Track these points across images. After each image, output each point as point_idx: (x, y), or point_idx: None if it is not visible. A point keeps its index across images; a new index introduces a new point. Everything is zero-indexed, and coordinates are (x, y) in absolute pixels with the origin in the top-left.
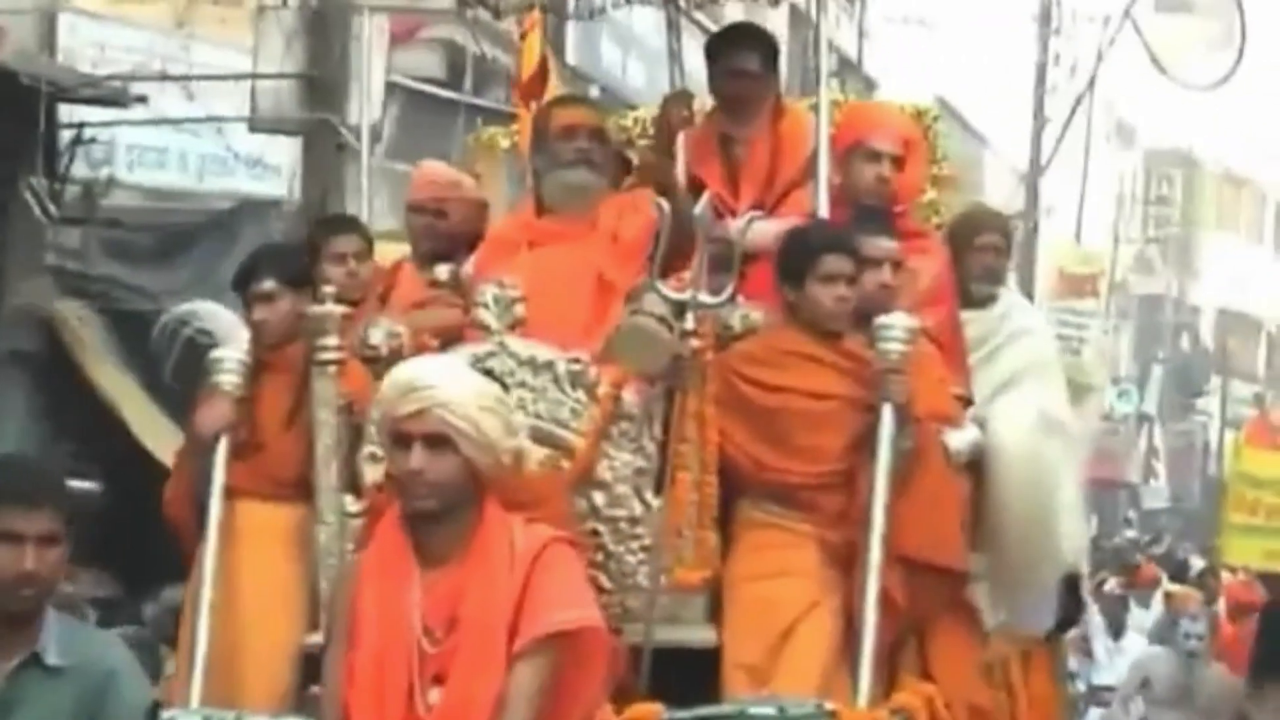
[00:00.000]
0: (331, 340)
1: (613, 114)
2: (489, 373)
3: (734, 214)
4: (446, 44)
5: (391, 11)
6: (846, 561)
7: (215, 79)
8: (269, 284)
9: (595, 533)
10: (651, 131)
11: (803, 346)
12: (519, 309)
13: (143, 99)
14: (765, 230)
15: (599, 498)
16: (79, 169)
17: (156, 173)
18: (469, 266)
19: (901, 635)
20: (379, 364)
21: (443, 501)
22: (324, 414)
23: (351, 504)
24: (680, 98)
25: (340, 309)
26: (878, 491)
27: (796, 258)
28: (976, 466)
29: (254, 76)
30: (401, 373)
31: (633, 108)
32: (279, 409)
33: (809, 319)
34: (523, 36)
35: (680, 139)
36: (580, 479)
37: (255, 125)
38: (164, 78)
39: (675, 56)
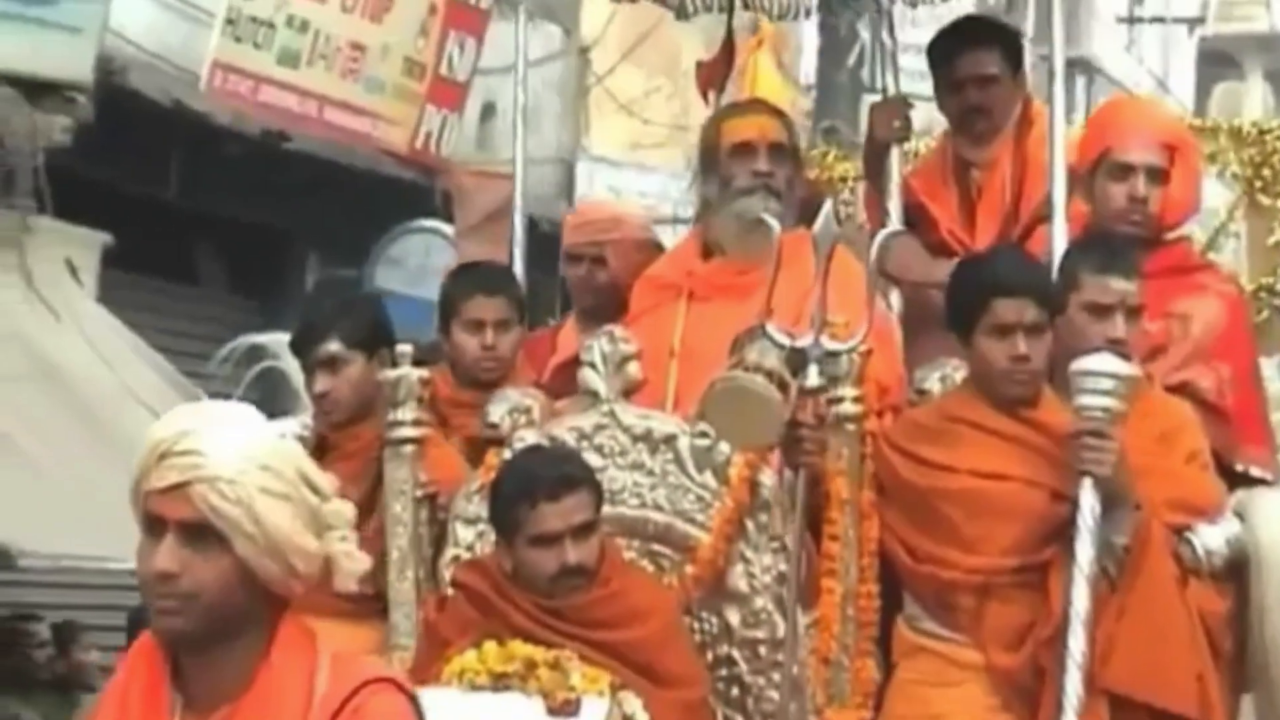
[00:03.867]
0: (408, 413)
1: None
2: (598, 450)
3: None
4: None
5: None
6: (1030, 698)
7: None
8: (334, 346)
9: (729, 659)
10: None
11: (974, 414)
12: (633, 369)
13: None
14: None
15: (733, 614)
16: None
17: None
18: None
19: None
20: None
21: (200, 622)
22: (399, 507)
23: None
24: (891, 106)
25: (419, 372)
26: (1075, 601)
27: (962, 302)
28: (1240, 574)
29: None
30: (158, 426)
31: None
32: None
33: (981, 380)
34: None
35: (894, 156)
36: (707, 588)
37: None
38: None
39: (887, 53)
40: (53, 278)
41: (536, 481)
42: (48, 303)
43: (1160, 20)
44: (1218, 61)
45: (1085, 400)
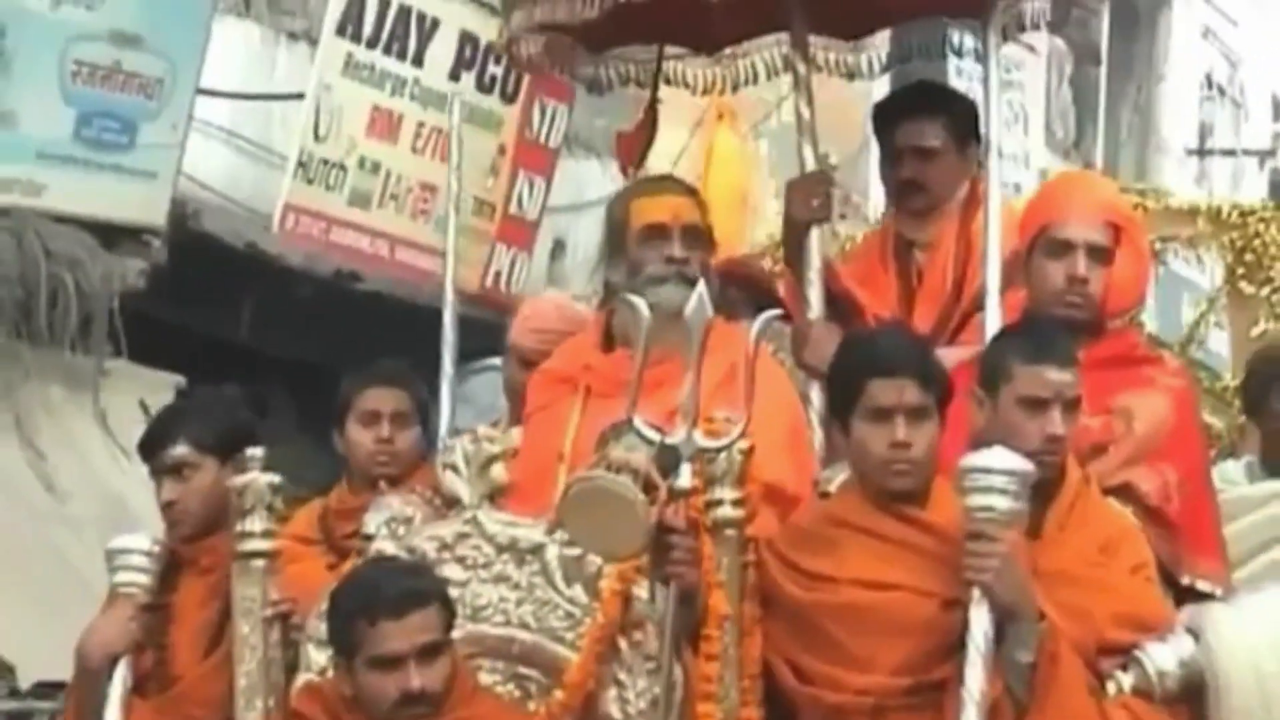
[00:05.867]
0: (256, 523)
1: None
2: (460, 561)
3: None
4: None
5: None
6: None
7: None
8: (181, 450)
9: None
10: None
11: (857, 516)
12: (497, 472)
13: None
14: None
15: None
16: None
17: None
18: None
19: None
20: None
21: None
22: (247, 628)
23: None
24: (809, 182)
25: (268, 477)
26: None
27: (839, 385)
28: (1195, 698)
29: None
30: None
31: None
32: (198, 623)
33: (862, 475)
34: None
35: (813, 236)
36: (577, 715)
37: None
38: None
39: (805, 125)
40: (127, 420)
41: (378, 597)
42: (121, 445)
43: (1231, 153)
44: None
45: (973, 500)
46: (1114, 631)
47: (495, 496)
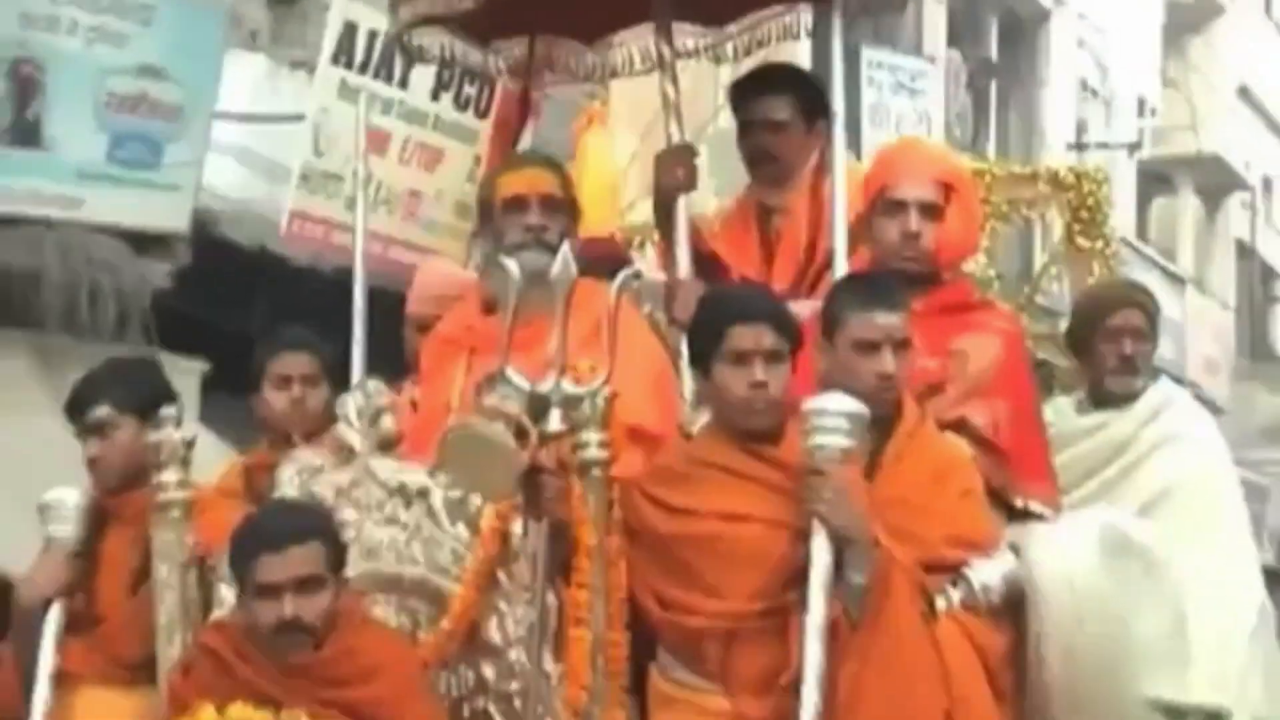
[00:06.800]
0: (172, 475)
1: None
2: (355, 504)
3: None
4: None
5: None
6: None
7: None
8: (103, 411)
9: (485, 713)
10: None
11: (717, 454)
12: (387, 423)
13: None
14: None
15: (488, 668)
16: None
17: None
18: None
19: None
20: None
21: None
22: (165, 571)
23: None
24: (675, 154)
25: (182, 434)
26: (809, 645)
27: (700, 334)
28: (1017, 610)
29: None
30: None
31: None
32: (123, 568)
33: (722, 416)
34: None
35: (680, 204)
36: (462, 642)
37: None
38: None
39: (669, 104)
40: None
41: (261, 533)
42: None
43: (1104, 146)
44: (1154, 180)
45: (813, 440)
46: (945, 551)
47: (385, 445)
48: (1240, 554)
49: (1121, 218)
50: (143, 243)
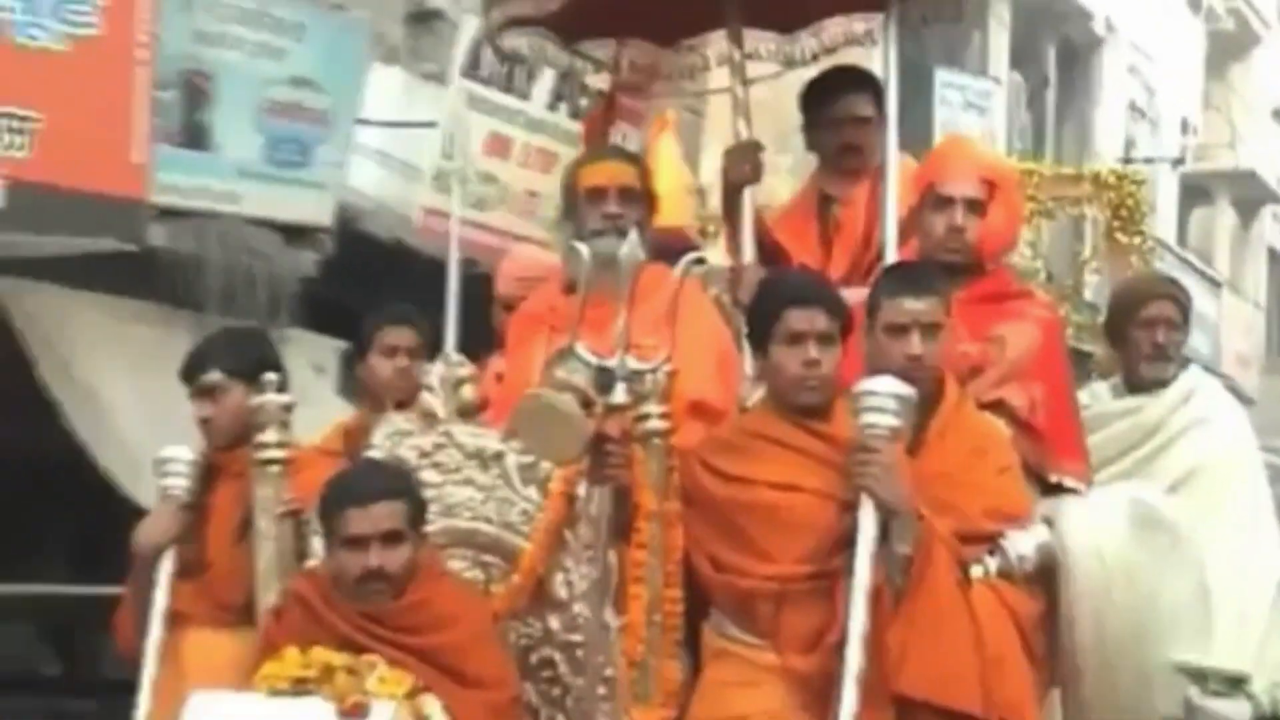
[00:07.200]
0: (271, 435)
1: None
2: (436, 467)
3: None
4: None
5: None
6: (824, 698)
7: None
8: (215, 375)
9: (551, 662)
10: None
11: (770, 428)
12: (467, 392)
13: None
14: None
15: (554, 620)
16: None
17: None
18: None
19: None
20: None
21: None
22: (264, 523)
23: None
24: (743, 150)
25: (282, 398)
26: (855, 608)
27: (759, 315)
28: (1049, 578)
29: None
30: None
31: None
32: (229, 520)
33: (777, 392)
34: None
35: (746, 196)
36: (530, 595)
37: None
38: None
39: (739, 103)
40: (300, 377)
41: (349, 489)
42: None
43: (1150, 161)
44: (1195, 193)
45: (864, 419)
46: (983, 522)
47: (465, 412)
48: (1262, 529)
49: (1164, 226)
50: (292, 234)
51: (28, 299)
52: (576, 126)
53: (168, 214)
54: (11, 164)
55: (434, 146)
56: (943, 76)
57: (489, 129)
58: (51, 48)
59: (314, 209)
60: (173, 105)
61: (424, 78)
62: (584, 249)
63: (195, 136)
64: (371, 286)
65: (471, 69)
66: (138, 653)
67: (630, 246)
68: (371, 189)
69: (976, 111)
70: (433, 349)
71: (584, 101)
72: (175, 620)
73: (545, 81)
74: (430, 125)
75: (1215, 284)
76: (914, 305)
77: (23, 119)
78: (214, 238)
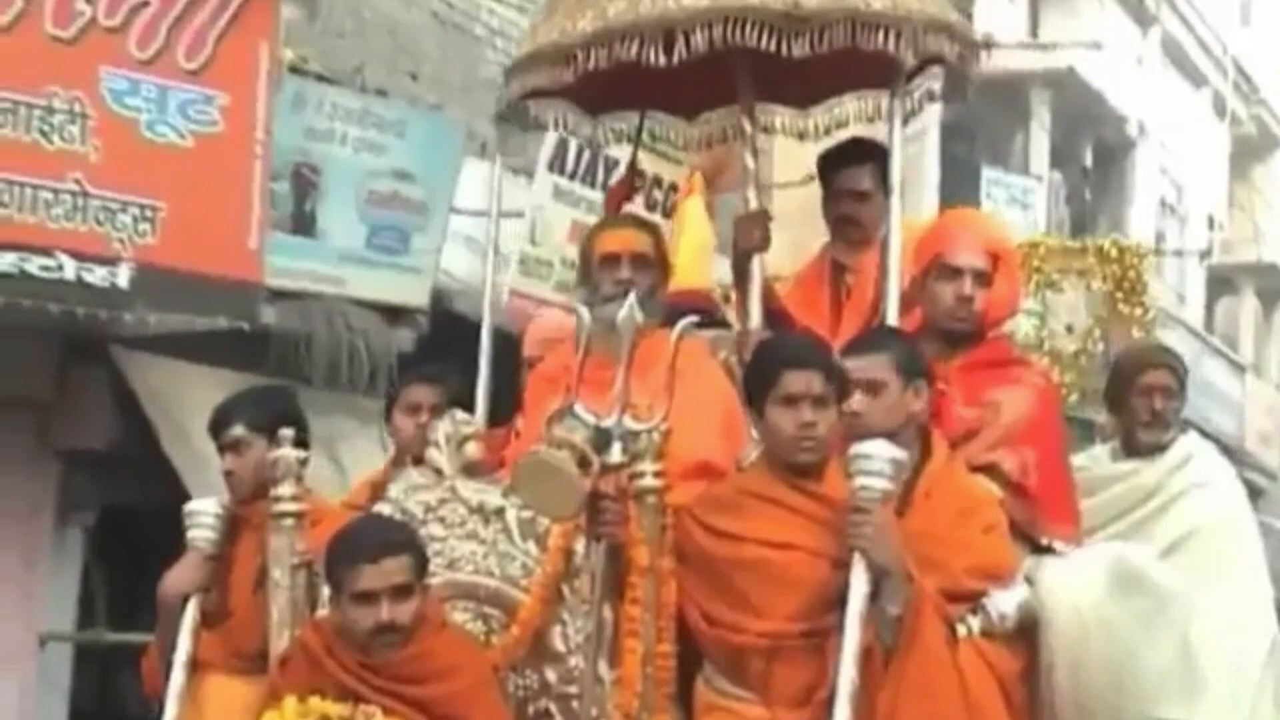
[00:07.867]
0: (286, 489)
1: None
2: (441, 521)
3: None
4: None
5: None
6: None
7: None
8: (238, 430)
9: (547, 713)
10: None
11: (764, 487)
12: (471, 449)
13: None
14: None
15: (551, 672)
16: None
17: None
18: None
19: None
20: None
21: None
22: (278, 573)
23: None
24: (753, 218)
25: (297, 453)
26: (843, 667)
27: (756, 377)
28: (1030, 635)
29: None
30: None
31: None
32: (249, 570)
33: (772, 452)
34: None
35: (755, 263)
36: (528, 647)
37: None
38: None
39: (749, 173)
40: None
41: (359, 544)
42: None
43: (1179, 254)
44: (1221, 283)
45: (857, 481)
46: (967, 581)
47: (469, 469)
48: (1255, 590)
49: (1192, 313)
50: (391, 314)
51: (151, 372)
52: (653, 216)
53: (278, 295)
54: (139, 248)
55: (521, 234)
56: (989, 174)
57: (571, 218)
58: (177, 143)
59: (411, 291)
60: (284, 196)
61: (512, 171)
62: (585, 312)
63: (304, 224)
64: (463, 361)
65: (557, 164)
66: (163, 696)
67: (628, 310)
68: (463, 273)
69: (1019, 206)
70: (460, 407)
71: (658, 195)
72: (198, 666)
73: (619, 173)
74: (518, 215)
75: (1240, 368)
76: (855, 362)
77: (150, 207)
78: (320, 317)
